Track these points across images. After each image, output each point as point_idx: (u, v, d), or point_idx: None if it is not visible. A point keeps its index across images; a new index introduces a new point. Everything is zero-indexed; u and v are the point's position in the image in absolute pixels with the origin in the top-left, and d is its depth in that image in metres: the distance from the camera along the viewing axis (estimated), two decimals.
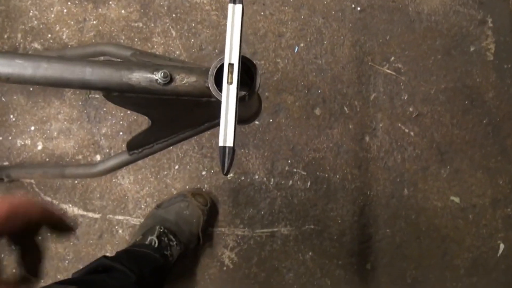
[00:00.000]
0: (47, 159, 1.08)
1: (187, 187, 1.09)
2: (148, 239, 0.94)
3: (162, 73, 0.55)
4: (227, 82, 0.50)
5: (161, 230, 0.96)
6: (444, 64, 1.17)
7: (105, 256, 0.76)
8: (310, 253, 1.10)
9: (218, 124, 0.67)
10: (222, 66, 0.51)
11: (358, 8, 1.15)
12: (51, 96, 1.10)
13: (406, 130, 1.14)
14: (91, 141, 1.09)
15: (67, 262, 1.07)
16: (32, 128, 1.09)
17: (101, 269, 0.73)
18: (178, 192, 1.06)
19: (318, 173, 1.11)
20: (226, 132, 0.49)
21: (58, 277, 1.06)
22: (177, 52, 1.10)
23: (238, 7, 0.52)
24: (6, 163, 1.09)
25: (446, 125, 1.16)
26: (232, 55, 0.50)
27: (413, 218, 1.14)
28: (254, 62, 0.55)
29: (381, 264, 1.12)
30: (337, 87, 1.13)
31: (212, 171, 1.09)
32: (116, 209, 1.08)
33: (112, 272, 0.73)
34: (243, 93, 0.55)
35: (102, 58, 0.96)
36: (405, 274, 1.13)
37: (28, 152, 1.09)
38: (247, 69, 0.55)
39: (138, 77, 0.56)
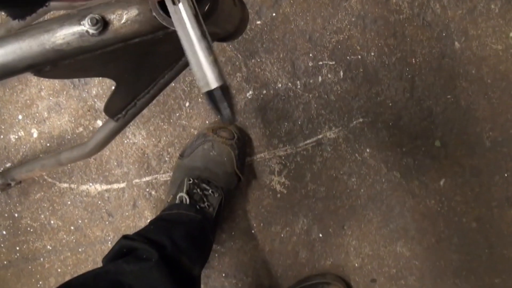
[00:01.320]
0: (48, 144, 0.96)
1: (207, 122, 0.94)
2: (178, 197, 0.81)
3: (89, 20, 0.39)
4: (173, 3, 0.35)
5: (190, 182, 0.83)
6: None
7: (124, 236, 0.69)
8: (368, 150, 0.95)
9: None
10: None
11: None
12: (25, 75, 0.95)
13: None
14: (85, 108, 0.94)
15: (109, 243, 0.96)
16: (20, 117, 0.95)
17: (126, 250, 0.67)
18: (197, 133, 0.91)
19: (348, 57, 0.93)
20: (202, 70, 0.35)
21: None
22: None
23: None
24: (8, 164, 0.97)
25: None
26: None
27: (474, 73, 0.95)
28: None
29: (451, 137, 0.95)
30: None
31: None
32: (140, 171, 0.95)
33: (136, 251, 0.66)
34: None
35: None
36: (482, 138, 0.96)
37: (26, 144, 0.96)
38: None
39: (64, 36, 0.40)
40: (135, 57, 0.50)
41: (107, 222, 0.96)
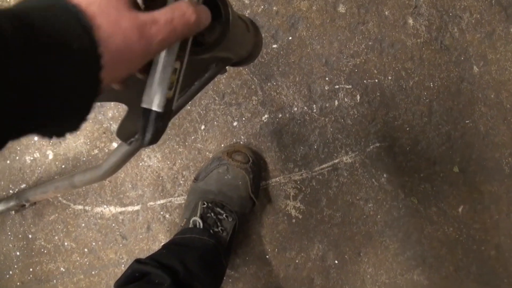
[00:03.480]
0: (63, 166, 0.96)
1: (222, 145, 0.93)
2: (192, 221, 0.81)
3: None
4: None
5: (204, 206, 0.82)
6: None
7: (137, 260, 0.69)
8: (385, 175, 0.93)
9: (210, 80, 0.50)
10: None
11: None
12: None
13: None
14: (101, 130, 0.94)
15: (123, 265, 0.96)
16: (36, 138, 0.96)
17: (138, 274, 0.67)
18: (212, 157, 0.91)
19: (365, 81, 0.92)
20: (155, 87, 0.34)
21: None
22: None
23: None
24: (23, 186, 0.97)
25: None
26: None
27: (493, 98, 0.93)
28: None
29: (470, 163, 0.94)
30: None
31: (244, 118, 0.92)
32: (155, 194, 0.94)
33: (148, 276, 0.66)
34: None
35: None
36: (501, 164, 0.94)
37: (41, 165, 0.96)
38: (214, 4, 0.38)
39: None
40: (137, 79, 0.50)
41: (120, 245, 0.95)
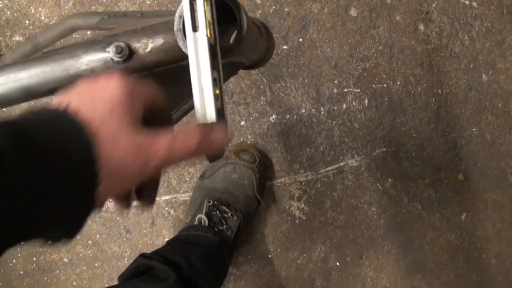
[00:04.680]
0: None
1: (229, 144, 0.94)
2: (197, 219, 0.81)
3: (114, 48, 0.39)
4: (192, 29, 0.34)
5: (210, 203, 0.83)
6: None
7: (142, 255, 0.69)
8: (389, 180, 0.94)
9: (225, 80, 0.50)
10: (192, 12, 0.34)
11: None
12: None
13: (467, 2, 0.92)
14: None
15: (126, 259, 0.96)
16: None
17: (143, 269, 0.67)
18: None
19: (374, 85, 0.92)
20: (203, 101, 0.34)
21: None
22: None
23: None
24: None
25: None
26: None
27: (500, 107, 0.94)
28: None
29: (475, 171, 0.94)
30: None
31: (251, 118, 0.93)
32: (160, 189, 0.95)
33: (153, 271, 0.66)
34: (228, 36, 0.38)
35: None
36: (506, 173, 0.95)
37: None
38: (224, 5, 0.38)
39: (88, 62, 0.40)
40: (160, 84, 0.51)
41: (124, 239, 0.96)
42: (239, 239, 0.89)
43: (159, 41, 0.40)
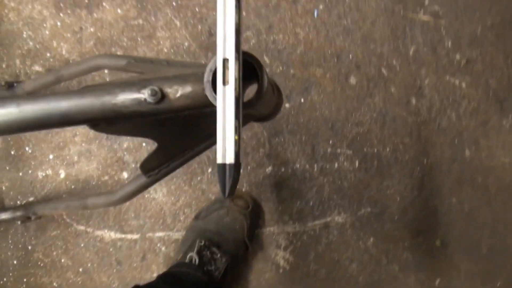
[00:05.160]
0: (73, 186, 1.01)
1: None
2: (188, 257, 0.86)
3: (150, 91, 0.45)
4: (222, 83, 0.40)
5: (201, 244, 0.87)
6: None
7: (136, 285, 0.72)
8: (371, 239, 0.99)
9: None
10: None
11: None
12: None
13: (457, 82, 1.00)
14: (114, 158, 1.00)
15: None
16: (51, 156, 1.01)
17: None
18: (215, 199, 0.97)
19: (365, 149, 0.99)
20: (224, 145, 0.40)
21: None
22: (186, 44, 0.99)
23: None
24: (31, 199, 1.02)
25: (500, 67, 1.01)
26: (227, 47, 0.40)
27: (480, 181, 1.01)
28: (256, 57, 0.44)
29: (451, 238, 1.00)
30: (369, 48, 0.99)
31: (249, 167, 0.99)
32: (155, 226, 1.00)
33: None
34: (248, 92, 0.45)
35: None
36: (480, 244, 1.01)
37: (52, 182, 1.01)
38: (249, 65, 0.44)
39: (123, 100, 0.46)
40: (180, 125, 0.57)
41: (114, 270, 1.00)
42: (225, 281, 0.93)
43: (188, 89, 0.47)
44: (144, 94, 0.46)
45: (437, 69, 0.99)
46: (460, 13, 0.99)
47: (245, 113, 0.47)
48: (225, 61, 0.40)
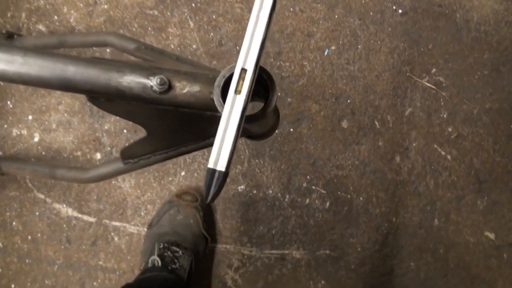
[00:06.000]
0: (43, 153, 0.99)
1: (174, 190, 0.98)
2: (150, 261, 0.84)
3: (159, 79, 0.45)
4: (235, 91, 0.40)
5: (160, 246, 0.86)
6: (491, 81, 1.03)
7: None
8: (322, 282, 0.99)
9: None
10: (232, 77, 0.40)
11: (400, 11, 1.02)
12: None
13: (443, 153, 1.01)
14: (92, 137, 0.99)
15: (56, 266, 0.98)
16: (30, 117, 1.00)
17: None
18: (163, 202, 0.96)
19: (339, 193, 0.99)
20: (220, 152, 0.40)
21: (46, 282, 0.98)
22: (194, 46, 0.99)
23: (268, 0, 0.41)
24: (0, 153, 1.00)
25: (487, 150, 1.02)
26: (248, 59, 0.40)
27: (441, 253, 1.01)
28: (272, 76, 0.44)
29: None
30: (369, 98, 1.00)
31: None
32: (114, 214, 0.98)
33: None
34: (252, 106, 0.45)
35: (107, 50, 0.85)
36: None
37: (24, 143, 0.99)
38: (262, 81, 0.44)
39: (130, 81, 0.46)
40: (176, 121, 0.56)
41: (62, 247, 0.98)
42: (192, 278, 0.90)
43: (195, 88, 0.47)
44: (152, 81, 0.45)
45: (428, 135, 1.01)
46: (462, 90, 1.01)
47: (244, 126, 0.47)
48: (242, 70, 0.40)
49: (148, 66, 0.49)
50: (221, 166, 0.40)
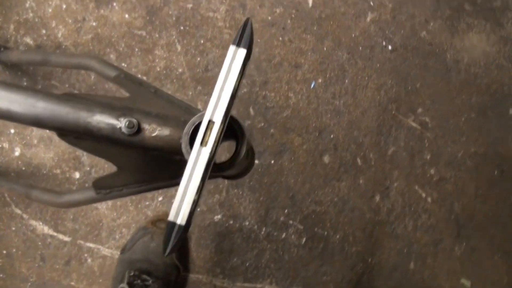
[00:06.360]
0: (23, 168, 0.99)
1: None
2: None
3: (128, 122, 0.45)
4: (200, 143, 0.39)
5: (131, 274, 0.86)
6: (477, 124, 1.02)
7: None
8: None
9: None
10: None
11: (390, 47, 1.00)
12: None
13: (423, 195, 1.00)
14: (72, 155, 0.98)
15: (29, 284, 0.98)
16: (12, 131, 0.99)
17: None
18: (137, 228, 0.96)
19: (316, 229, 0.99)
20: (181, 204, 0.39)
21: None
22: (180, 70, 0.98)
23: (241, 52, 0.39)
24: None
25: (469, 195, 1.01)
26: (217, 111, 0.39)
27: None
28: (243, 126, 0.44)
29: None
30: (352, 134, 0.99)
31: (199, 209, 0.97)
32: (89, 235, 0.98)
33: None
34: (229, 143, 0.44)
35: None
36: None
37: (4, 156, 0.99)
38: (232, 130, 0.43)
39: (99, 121, 0.46)
40: (146, 161, 0.55)
41: (36, 265, 0.98)
42: None
43: (165, 132, 0.46)
44: (121, 123, 0.45)
45: (409, 176, 1.00)
46: (447, 132, 1.00)
47: (214, 174, 0.47)
48: (210, 122, 0.39)
49: (119, 106, 0.48)
50: (182, 220, 0.39)
